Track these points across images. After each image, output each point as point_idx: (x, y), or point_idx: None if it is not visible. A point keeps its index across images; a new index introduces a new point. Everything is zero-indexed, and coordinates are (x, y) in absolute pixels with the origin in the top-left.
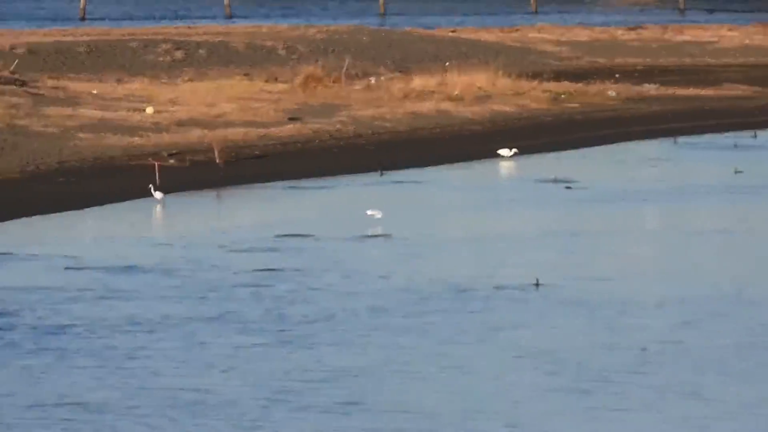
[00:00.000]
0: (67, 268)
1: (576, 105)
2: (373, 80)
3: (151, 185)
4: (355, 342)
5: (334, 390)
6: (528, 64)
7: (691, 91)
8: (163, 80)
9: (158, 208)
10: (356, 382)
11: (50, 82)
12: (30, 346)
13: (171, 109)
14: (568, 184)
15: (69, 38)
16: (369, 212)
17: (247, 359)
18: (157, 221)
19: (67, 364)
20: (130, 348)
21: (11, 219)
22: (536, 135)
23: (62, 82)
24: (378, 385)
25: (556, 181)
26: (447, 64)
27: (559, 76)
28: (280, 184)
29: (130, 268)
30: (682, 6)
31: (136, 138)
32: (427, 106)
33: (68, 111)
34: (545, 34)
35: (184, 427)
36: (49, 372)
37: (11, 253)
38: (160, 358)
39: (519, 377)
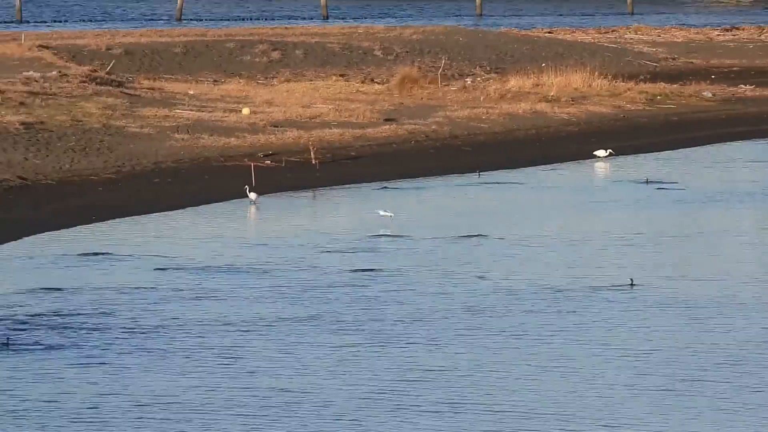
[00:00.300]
0: (162, 269)
1: (672, 106)
2: (468, 81)
3: (246, 186)
4: (450, 342)
5: (431, 390)
6: (624, 65)
7: None
8: (259, 81)
9: (253, 208)
10: (452, 383)
11: (146, 83)
12: (126, 346)
13: (267, 109)
14: (660, 185)
15: (165, 39)
16: (381, 213)
17: (342, 360)
18: (252, 222)
19: (163, 364)
20: (225, 348)
21: (107, 220)
22: (632, 136)
23: (158, 83)
24: (474, 385)
25: (648, 182)
26: (543, 64)
27: (655, 77)
28: (375, 184)
29: (225, 269)
30: None
31: (232, 139)
32: (522, 107)
33: (164, 112)
34: (641, 34)
35: (280, 427)
36: (146, 372)
37: (107, 254)
38: (255, 358)
39: (614, 377)
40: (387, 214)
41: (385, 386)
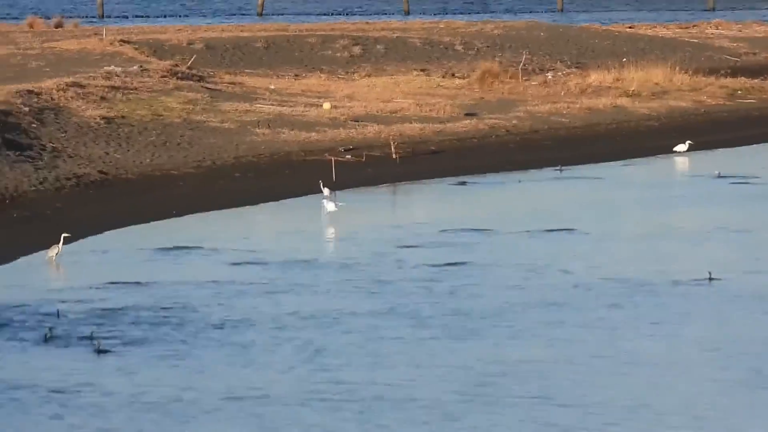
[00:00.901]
0: (241, 263)
1: (753, 101)
2: (549, 76)
3: (320, 181)
4: (531, 336)
5: (517, 384)
6: (705, 60)
7: None
8: (340, 76)
9: (328, 203)
10: (537, 377)
11: (227, 78)
12: (207, 340)
13: (348, 104)
14: (739, 179)
15: (247, 34)
16: (328, 206)
17: (424, 353)
18: (331, 216)
19: (244, 358)
20: (306, 342)
21: (188, 214)
22: (712, 131)
23: (239, 78)
24: (559, 378)
25: (720, 176)
26: (624, 59)
27: (735, 72)
28: (456, 179)
29: (304, 263)
30: None
31: (313, 133)
32: (603, 102)
33: (245, 106)
34: (722, 30)
35: (368, 420)
36: (228, 366)
37: (188, 247)
38: (337, 352)
39: (695, 371)
40: (333, 208)
41: (471, 380)
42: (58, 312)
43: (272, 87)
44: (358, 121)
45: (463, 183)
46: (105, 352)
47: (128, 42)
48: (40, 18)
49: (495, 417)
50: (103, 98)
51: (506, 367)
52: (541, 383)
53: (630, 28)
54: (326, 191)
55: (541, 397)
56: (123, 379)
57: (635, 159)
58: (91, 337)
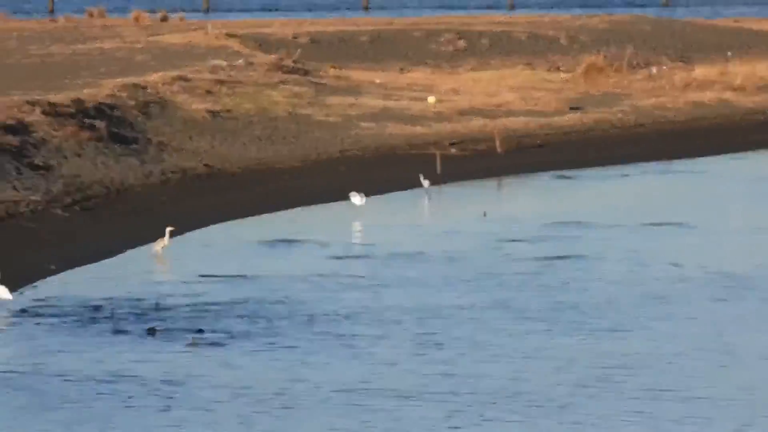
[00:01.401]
0: (347, 256)
1: None
2: (654, 70)
3: (420, 174)
4: (638, 330)
5: (623, 378)
6: None
7: None
8: (445, 69)
9: (434, 196)
10: (643, 370)
11: (332, 72)
12: (311, 334)
13: (453, 98)
14: None
15: (352, 27)
16: (356, 200)
17: (529, 347)
18: (435, 209)
19: (349, 352)
20: (411, 335)
21: (293, 207)
22: None
23: (344, 72)
24: (668, 373)
25: None
26: (729, 53)
27: None
28: (560, 173)
29: (408, 256)
30: None
31: (418, 127)
32: (708, 96)
33: (350, 100)
34: None
35: (478, 414)
36: (332, 359)
37: (293, 241)
38: (443, 345)
39: None
40: (360, 202)
41: (579, 373)
42: (162, 305)
43: (377, 81)
44: (463, 115)
45: (568, 177)
46: (209, 345)
47: (234, 36)
48: (146, 11)
49: (605, 411)
50: (208, 92)
51: (614, 361)
52: (649, 377)
53: (735, 22)
54: (426, 183)
55: (651, 389)
56: (228, 372)
57: (740, 153)
58: (195, 331)
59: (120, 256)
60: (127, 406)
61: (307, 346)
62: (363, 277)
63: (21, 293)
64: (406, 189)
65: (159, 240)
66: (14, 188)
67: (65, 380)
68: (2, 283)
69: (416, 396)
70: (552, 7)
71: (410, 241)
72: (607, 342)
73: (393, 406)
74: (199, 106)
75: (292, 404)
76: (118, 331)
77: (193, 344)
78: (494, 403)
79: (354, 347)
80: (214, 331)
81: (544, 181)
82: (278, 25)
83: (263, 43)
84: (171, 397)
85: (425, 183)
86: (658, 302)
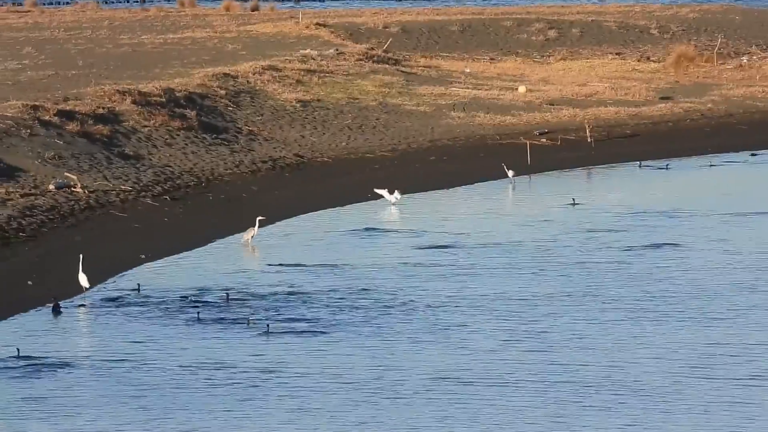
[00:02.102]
0: (436, 246)
1: None
2: (744, 59)
3: (503, 164)
4: (729, 318)
5: (721, 366)
6: None
7: None
8: (535, 59)
9: (524, 185)
10: (739, 359)
11: (423, 61)
12: (403, 322)
13: (543, 87)
14: None
15: (442, 17)
16: (387, 196)
17: (624, 335)
18: (523, 199)
19: (445, 339)
20: (505, 323)
21: (382, 198)
22: None
23: (435, 61)
24: (764, 361)
25: None
26: None
27: None
28: (650, 162)
29: (498, 245)
30: None
31: (508, 117)
32: None
33: (440, 90)
34: None
35: (594, 402)
36: (428, 346)
37: (382, 230)
38: (537, 333)
39: None
40: (391, 197)
41: (677, 362)
42: (251, 294)
43: (467, 70)
44: (553, 105)
45: (658, 167)
46: (298, 333)
47: (324, 25)
48: (237, 1)
49: (700, 399)
50: (299, 81)
51: (706, 350)
52: (741, 365)
53: None
54: (510, 173)
55: (744, 377)
56: (316, 360)
57: None
58: (283, 320)
59: (209, 245)
60: (213, 396)
61: (398, 335)
62: (453, 266)
63: (110, 282)
64: (496, 179)
65: (249, 229)
66: (105, 177)
67: (151, 368)
68: (85, 273)
69: (514, 384)
70: None
71: (499, 231)
72: (699, 331)
73: (492, 393)
74: (289, 95)
75: (384, 393)
76: (204, 320)
77: (249, 324)
78: (594, 391)
79: (447, 336)
80: (301, 320)
81: (633, 170)
82: (369, 15)
83: (354, 33)
84: (256, 386)
85: (510, 173)
86: (748, 291)
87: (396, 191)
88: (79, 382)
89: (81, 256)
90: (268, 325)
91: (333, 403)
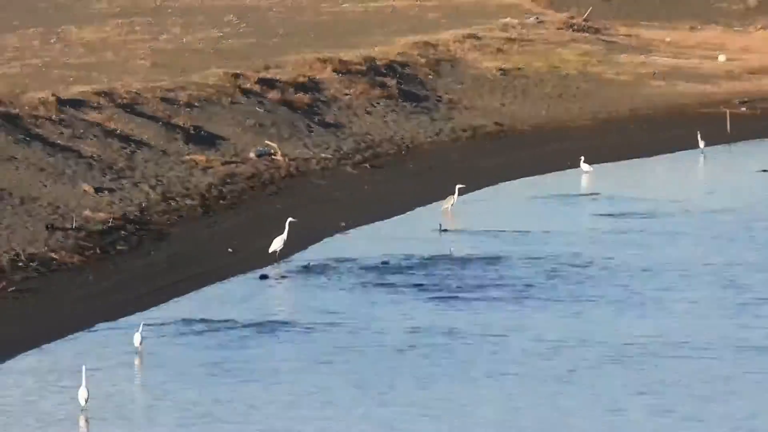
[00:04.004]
0: (635, 213)
1: None
2: None
3: (698, 132)
4: None
5: None
6: None
7: None
8: (735, 28)
9: (719, 154)
10: None
11: (623, 30)
12: (601, 289)
13: (743, 57)
14: None
15: None
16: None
17: None
18: (719, 167)
19: (646, 306)
20: (710, 289)
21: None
22: None
23: (635, 30)
24: None
25: None
26: None
27: None
28: None
29: (691, 214)
30: None
31: (708, 86)
32: None
33: (640, 58)
34: None
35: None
36: (625, 313)
37: (579, 196)
38: (747, 301)
39: None
40: (587, 166)
41: None
42: (451, 260)
43: (667, 39)
44: (753, 74)
45: None
46: (495, 299)
47: None
48: None
49: None
50: (499, 50)
51: None
52: None
53: None
54: (702, 144)
55: None
56: (514, 325)
57: None
58: (481, 286)
59: (409, 213)
60: (427, 358)
61: (597, 301)
62: (649, 232)
63: (311, 250)
64: (696, 148)
65: (448, 197)
66: (305, 146)
67: (345, 332)
68: (287, 239)
69: (740, 352)
70: None
71: (695, 198)
72: None
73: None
74: (489, 64)
75: (578, 360)
76: (400, 287)
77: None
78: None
79: (643, 301)
80: (500, 285)
81: None
82: None
83: (554, 1)
84: (450, 352)
85: (701, 143)
86: None
87: (582, 161)
88: (281, 346)
89: (289, 220)
90: (457, 290)
91: (529, 368)
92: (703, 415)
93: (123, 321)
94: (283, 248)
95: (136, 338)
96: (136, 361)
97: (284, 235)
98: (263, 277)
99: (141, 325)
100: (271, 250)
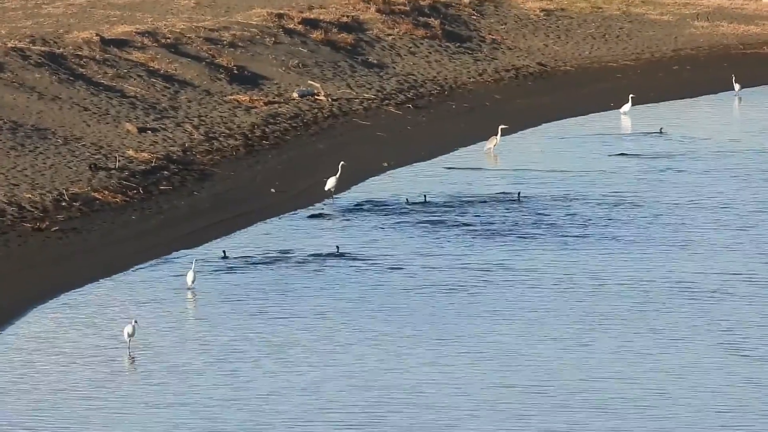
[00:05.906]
0: (683, 154)
1: None
2: None
3: (733, 75)
4: None
5: None
6: None
7: None
8: None
9: (737, 100)
10: None
11: None
12: (643, 230)
13: None
14: None
15: None
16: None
17: None
18: (748, 112)
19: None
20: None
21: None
22: None
23: None
24: None
25: None
26: None
27: None
28: None
29: (731, 153)
30: None
31: (752, 26)
32: None
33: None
34: None
35: None
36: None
37: (620, 135)
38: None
39: None
40: (626, 107)
41: None
42: (495, 200)
43: None
44: None
45: None
46: (523, 238)
47: None
48: None
49: None
50: None
51: None
52: None
53: None
54: (737, 87)
55: None
56: (557, 264)
57: None
58: (522, 224)
59: (452, 153)
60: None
61: (639, 240)
62: (689, 171)
63: (354, 190)
64: (731, 90)
65: (491, 138)
66: (348, 86)
67: (385, 268)
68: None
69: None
70: None
71: (735, 138)
72: None
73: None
74: (533, 4)
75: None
76: (436, 224)
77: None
78: None
79: (689, 239)
80: (544, 224)
81: None
82: None
83: None
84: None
85: (736, 86)
86: None
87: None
88: (330, 281)
89: (341, 163)
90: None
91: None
92: None
93: (169, 258)
94: (336, 186)
95: (189, 276)
96: (189, 296)
97: (338, 175)
98: (311, 216)
99: (194, 262)
100: (326, 188)
